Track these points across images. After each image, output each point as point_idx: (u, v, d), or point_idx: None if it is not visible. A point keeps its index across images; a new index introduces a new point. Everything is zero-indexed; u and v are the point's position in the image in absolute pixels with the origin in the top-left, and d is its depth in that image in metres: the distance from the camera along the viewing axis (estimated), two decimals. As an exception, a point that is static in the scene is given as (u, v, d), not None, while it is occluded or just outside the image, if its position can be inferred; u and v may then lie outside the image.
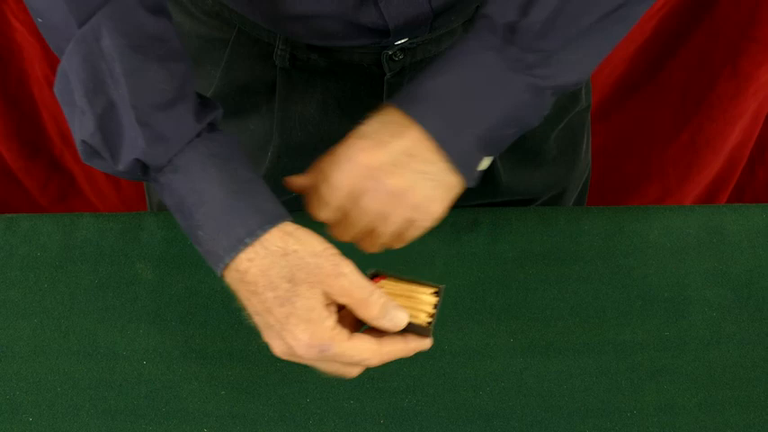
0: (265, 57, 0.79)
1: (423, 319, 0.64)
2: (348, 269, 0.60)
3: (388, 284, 0.65)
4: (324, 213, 0.66)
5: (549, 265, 0.87)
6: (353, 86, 0.82)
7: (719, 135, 1.40)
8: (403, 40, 0.76)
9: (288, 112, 0.83)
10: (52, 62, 1.33)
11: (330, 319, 0.59)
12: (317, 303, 0.59)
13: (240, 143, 0.87)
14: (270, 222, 0.60)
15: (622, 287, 0.86)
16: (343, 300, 0.60)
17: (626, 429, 0.79)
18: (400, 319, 0.61)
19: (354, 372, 0.64)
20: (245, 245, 0.59)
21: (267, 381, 0.81)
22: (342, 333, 0.60)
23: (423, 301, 0.64)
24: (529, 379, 0.82)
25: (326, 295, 0.60)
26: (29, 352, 0.82)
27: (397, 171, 0.63)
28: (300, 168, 0.90)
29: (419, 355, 0.82)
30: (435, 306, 0.64)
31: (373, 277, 0.65)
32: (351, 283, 0.60)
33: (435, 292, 0.65)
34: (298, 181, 0.69)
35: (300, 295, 0.59)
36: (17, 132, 1.41)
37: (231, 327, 0.83)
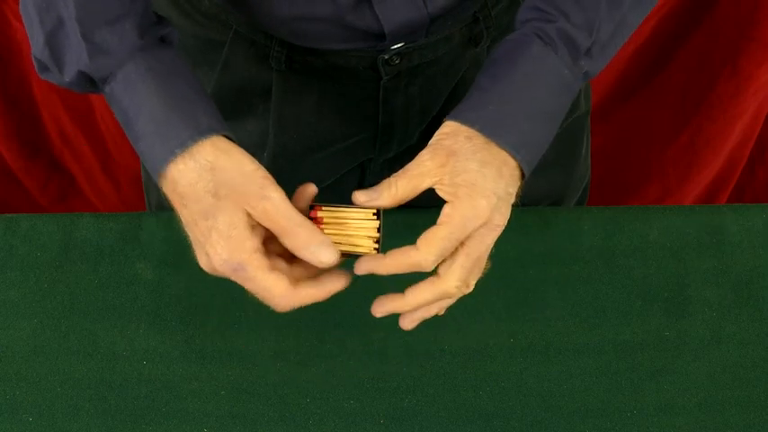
0: (262, 59, 0.79)
1: (368, 245, 0.63)
2: (275, 194, 0.59)
3: (326, 214, 0.64)
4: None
5: (549, 265, 0.87)
6: (349, 89, 0.82)
7: (719, 135, 1.40)
8: (399, 45, 0.76)
9: (284, 113, 0.83)
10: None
11: (251, 241, 0.59)
12: (239, 221, 0.59)
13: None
14: (201, 134, 0.60)
15: (622, 287, 0.86)
16: (265, 223, 0.60)
17: (626, 429, 0.79)
18: (326, 255, 0.60)
19: (273, 305, 0.61)
20: (176, 155, 0.60)
21: (267, 381, 0.81)
22: (261, 259, 0.60)
23: (364, 227, 0.64)
24: (529, 379, 0.82)
25: (249, 216, 0.60)
26: (29, 352, 0.82)
27: (504, 209, 0.63)
28: (296, 170, 0.90)
29: (419, 356, 0.82)
30: (378, 229, 0.64)
31: (310, 209, 0.64)
32: (275, 208, 0.59)
33: (375, 214, 0.64)
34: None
35: (223, 210, 0.59)
36: (17, 132, 1.41)
37: (231, 327, 0.83)
